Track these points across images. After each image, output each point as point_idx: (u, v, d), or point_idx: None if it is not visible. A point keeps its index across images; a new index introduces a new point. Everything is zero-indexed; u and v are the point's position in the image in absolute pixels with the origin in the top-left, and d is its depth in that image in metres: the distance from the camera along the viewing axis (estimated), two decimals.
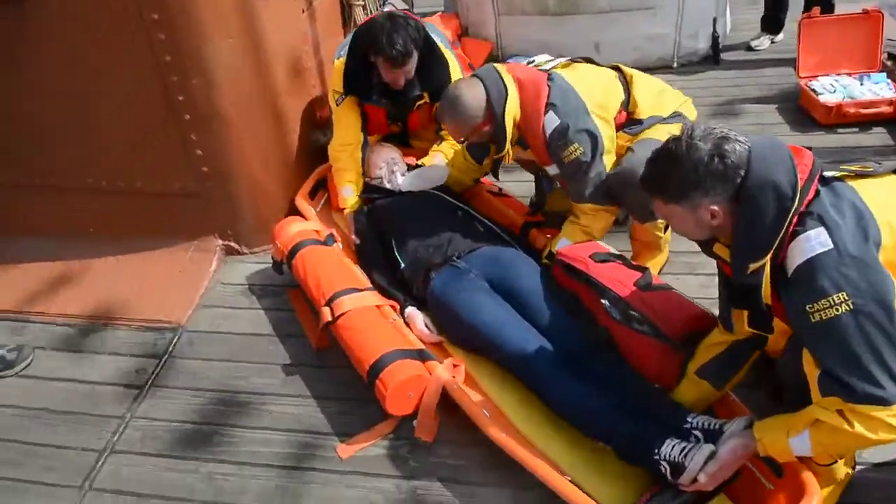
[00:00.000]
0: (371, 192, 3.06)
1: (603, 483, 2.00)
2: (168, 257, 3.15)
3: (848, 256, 1.50)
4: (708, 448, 1.79)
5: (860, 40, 3.79)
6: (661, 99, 2.63)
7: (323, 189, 3.38)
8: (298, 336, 2.78)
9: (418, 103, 3.12)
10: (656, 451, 1.86)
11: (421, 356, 2.32)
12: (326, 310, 2.49)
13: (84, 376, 2.70)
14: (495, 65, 2.58)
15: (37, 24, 2.74)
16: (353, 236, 2.94)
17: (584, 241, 2.57)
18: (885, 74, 3.75)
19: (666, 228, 2.72)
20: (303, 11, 3.28)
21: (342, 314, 2.46)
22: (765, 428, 1.75)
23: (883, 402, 1.50)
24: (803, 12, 4.08)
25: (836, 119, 3.60)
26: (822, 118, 3.64)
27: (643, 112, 2.57)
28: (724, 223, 1.66)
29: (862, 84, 3.70)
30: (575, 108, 2.46)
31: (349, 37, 3.05)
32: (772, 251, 1.59)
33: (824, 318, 1.52)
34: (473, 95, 2.49)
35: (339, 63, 3.02)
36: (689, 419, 1.93)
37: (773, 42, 4.73)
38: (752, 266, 1.63)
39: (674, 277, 2.75)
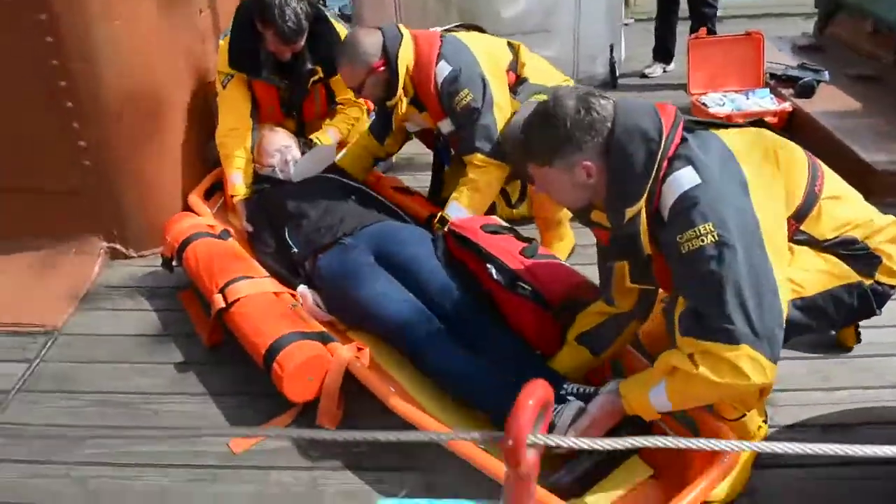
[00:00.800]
0: (262, 181, 2.95)
1: None
2: (45, 261, 2.88)
3: (715, 190, 1.53)
4: (576, 405, 1.79)
5: (744, 59, 4.05)
6: (546, 71, 2.76)
7: (220, 191, 3.21)
8: (189, 336, 2.57)
9: (312, 79, 3.01)
10: None
11: (322, 338, 2.17)
12: (219, 297, 2.32)
13: None
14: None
15: None
16: (245, 223, 2.84)
17: (473, 199, 2.59)
18: (768, 90, 4.00)
19: None
20: (200, 12, 3.18)
21: (236, 300, 2.29)
22: (628, 384, 1.73)
23: (731, 338, 1.48)
24: (690, 34, 4.34)
25: None
26: None
27: (530, 75, 2.67)
28: (599, 181, 1.66)
29: (748, 98, 3.93)
30: (466, 59, 2.56)
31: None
32: (645, 195, 1.61)
33: (690, 248, 1.52)
34: (369, 37, 2.56)
35: (224, 42, 2.91)
36: (564, 386, 1.92)
37: (665, 70, 5.00)
38: (629, 211, 1.63)
39: (581, 268, 2.74)
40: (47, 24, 2.50)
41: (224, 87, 2.92)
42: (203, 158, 3.14)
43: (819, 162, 1.80)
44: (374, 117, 3.09)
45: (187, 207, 3.02)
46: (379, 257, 2.44)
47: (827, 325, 1.85)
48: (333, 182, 2.89)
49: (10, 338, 2.59)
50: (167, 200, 3.00)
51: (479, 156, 2.58)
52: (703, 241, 1.50)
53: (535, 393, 0.76)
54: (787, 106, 3.87)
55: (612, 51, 4.72)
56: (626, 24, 5.30)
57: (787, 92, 3.99)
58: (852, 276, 1.71)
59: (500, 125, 2.57)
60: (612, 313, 1.98)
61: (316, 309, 2.41)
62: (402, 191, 3.09)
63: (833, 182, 1.78)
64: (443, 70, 2.53)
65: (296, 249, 2.60)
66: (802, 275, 1.68)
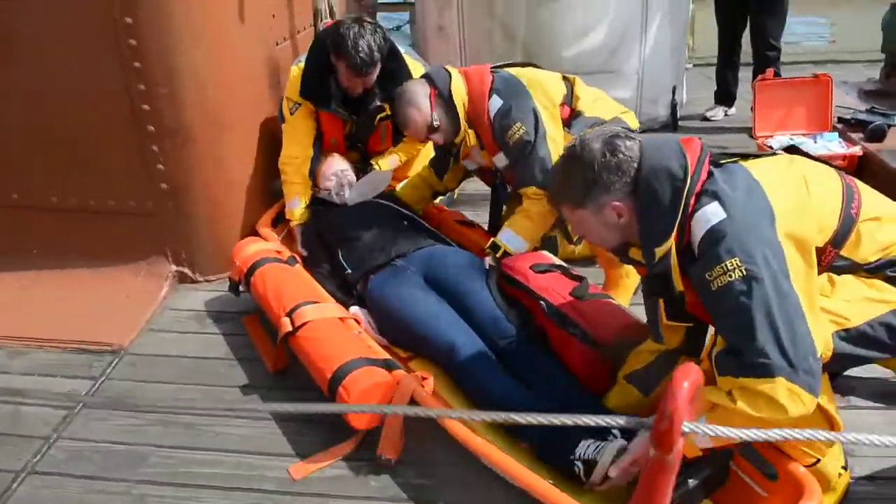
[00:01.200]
0: (318, 204, 3.01)
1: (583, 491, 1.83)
2: (115, 281, 2.94)
3: (740, 224, 1.53)
4: (619, 442, 1.76)
5: (811, 102, 3.98)
6: (603, 103, 2.73)
7: (286, 221, 3.25)
8: (252, 360, 2.58)
9: (380, 116, 3.05)
10: (573, 451, 1.82)
11: (387, 365, 2.15)
12: (286, 321, 2.32)
13: (7, 397, 2.41)
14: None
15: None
16: (300, 248, 2.91)
17: (525, 227, 2.56)
18: (836, 134, 3.91)
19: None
20: (277, 44, 3.28)
21: (303, 324, 2.29)
22: None
23: (767, 371, 1.46)
24: (753, 79, 4.29)
25: None
26: None
27: (585, 108, 2.65)
28: (631, 220, 1.69)
29: (816, 142, 3.84)
30: (517, 92, 2.55)
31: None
32: (674, 233, 1.61)
33: (720, 285, 1.53)
34: (418, 85, 2.62)
35: (297, 69, 2.96)
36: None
37: (726, 114, 4.95)
38: (658, 251, 1.64)
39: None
40: (137, 50, 2.60)
41: (291, 113, 2.98)
42: (271, 187, 3.19)
43: (857, 183, 1.75)
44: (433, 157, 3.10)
45: (255, 234, 3.07)
46: (429, 280, 2.47)
47: (883, 352, 1.70)
48: (387, 208, 2.94)
49: (77, 355, 2.65)
50: (236, 226, 3.06)
51: (533, 188, 2.55)
52: (731, 276, 1.51)
53: (690, 375, 0.72)
54: (856, 150, 3.77)
55: (674, 93, 4.69)
56: (686, 69, 5.28)
57: (856, 136, 3.90)
58: None
59: (553, 158, 2.52)
60: (661, 351, 1.93)
61: (371, 330, 2.43)
62: (465, 223, 3.09)
63: (873, 203, 1.73)
64: (495, 104, 2.54)
65: (349, 270, 2.64)
66: (845, 306, 1.64)
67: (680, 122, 4.78)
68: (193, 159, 2.85)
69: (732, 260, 1.50)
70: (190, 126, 2.79)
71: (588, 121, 2.63)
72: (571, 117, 2.65)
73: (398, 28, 7.29)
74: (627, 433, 1.82)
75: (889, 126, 3.89)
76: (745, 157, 1.72)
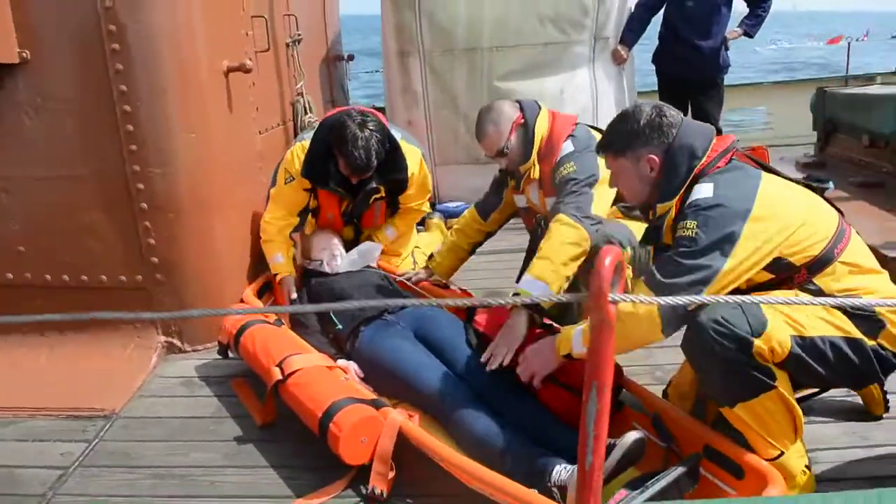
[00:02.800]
0: (309, 275, 3.19)
1: None
2: (105, 352, 3.04)
3: (716, 207, 1.85)
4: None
5: None
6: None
7: (269, 292, 3.42)
8: (241, 416, 2.67)
9: (375, 196, 3.25)
10: (548, 479, 1.94)
11: (375, 405, 2.27)
12: (276, 370, 2.45)
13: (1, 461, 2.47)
14: None
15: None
16: (292, 295, 3.10)
17: (543, 269, 2.46)
18: None
19: None
20: (259, 133, 3.57)
21: (292, 372, 2.42)
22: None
23: (651, 286, 1.86)
24: None
25: None
26: None
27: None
28: (658, 176, 2.04)
29: None
30: (590, 146, 2.59)
31: (310, 129, 3.27)
32: (676, 198, 1.99)
33: (678, 235, 1.90)
34: (509, 107, 2.82)
35: (300, 146, 3.17)
36: None
37: None
38: (661, 207, 2.03)
39: None
40: (133, 134, 2.84)
41: (285, 183, 3.19)
42: (256, 262, 3.37)
43: (851, 231, 1.99)
44: (480, 199, 3.20)
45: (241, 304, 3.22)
46: (419, 336, 2.62)
47: (831, 374, 1.88)
48: (376, 274, 3.17)
49: (70, 421, 2.70)
50: (222, 298, 3.20)
51: (560, 215, 2.52)
52: (684, 232, 1.88)
53: (612, 253, 0.92)
54: None
55: None
56: None
57: None
58: (854, 332, 1.84)
59: (594, 204, 2.55)
60: None
61: (356, 380, 2.53)
62: (440, 286, 3.28)
63: (857, 253, 1.94)
64: (567, 147, 2.68)
65: (340, 326, 2.78)
66: (804, 317, 1.83)
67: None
68: (183, 235, 3.04)
69: (693, 222, 1.86)
70: (180, 204, 3.00)
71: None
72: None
73: None
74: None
75: (824, 190, 4.25)
76: (775, 172, 2.03)
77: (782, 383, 1.80)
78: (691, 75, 4.87)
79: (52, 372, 2.97)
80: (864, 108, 4.84)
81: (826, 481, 2.07)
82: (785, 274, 1.89)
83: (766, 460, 1.88)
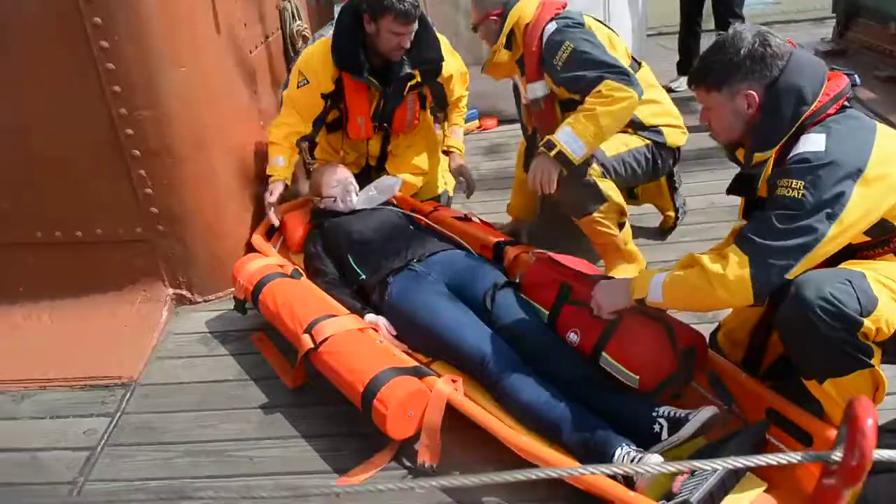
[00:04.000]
0: (320, 216, 2.96)
1: None
2: (111, 311, 2.85)
3: (828, 163, 1.63)
4: (654, 459, 1.78)
5: None
6: (656, 106, 2.78)
7: (278, 232, 3.20)
8: (269, 379, 2.54)
9: (410, 83, 3.03)
10: (610, 461, 1.85)
11: (417, 373, 2.15)
12: (306, 337, 2.29)
13: (21, 444, 2.34)
14: None
15: None
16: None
17: (586, 129, 2.40)
18: None
19: (621, 227, 2.71)
20: (250, 52, 3.20)
21: (324, 340, 2.27)
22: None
23: (744, 248, 1.69)
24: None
25: None
26: None
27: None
28: (755, 116, 1.78)
29: None
30: (576, 23, 2.60)
31: (329, 25, 3.04)
32: (776, 147, 1.76)
33: (779, 193, 1.68)
34: None
35: (320, 43, 2.95)
36: (655, 409, 1.93)
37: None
38: (758, 156, 1.79)
39: None
40: (116, 73, 2.50)
41: (298, 87, 2.98)
42: (261, 200, 3.12)
43: None
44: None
45: (250, 249, 3.01)
46: (451, 287, 2.45)
47: None
48: (393, 212, 2.94)
49: (86, 392, 2.56)
50: (230, 242, 2.99)
51: (607, 82, 2.39)
52: (788, 191, 1.65)
53: (872, 412, 0.75)
54: None
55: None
56: None
57: None
58: None
59: (605, 51, 2.51)
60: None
61: (392, 338, 2.39)
62: (461, 219, 3.08)
63: None
64: (549, 28, 2.60)
65: (363, 276, 2.61)
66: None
67: None
68: (182, 180, 2.77)
69: (800, 182, 1.63)
70: (176, 147, 2.70)
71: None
72: None
73: None
74: (673, 424, 1.87)
75: (853, 85, 4.01)
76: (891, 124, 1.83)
77: (876, 359, 1.67)
78: None
79: (57, 335, 2.79)
80: None
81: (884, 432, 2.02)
82: (883, 237, 1.72)
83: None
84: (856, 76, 4.23)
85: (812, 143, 1.66)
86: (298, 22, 3.84)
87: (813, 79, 1.72)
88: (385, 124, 3.16)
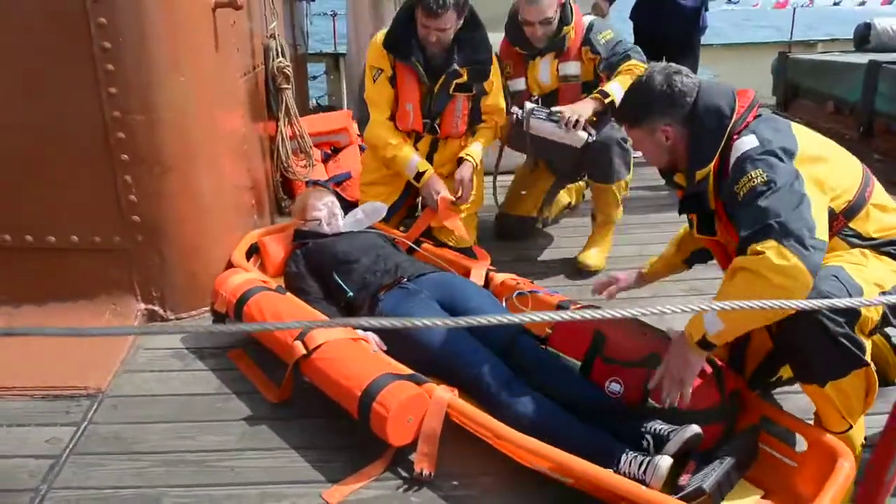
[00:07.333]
0: (304, 237, 2.94)
1: None
2: (78, 322, 2.68)
3: (768, 149, 1.81)
4: (665, 462, 1.81)
5: None
6: None
7: (256, 254, 3.14)
8: (249, 393, 2.44)
9: (457, 82, 3.09)
10: (616, 467, 1.87)
11: (414, 380, 2.11)
12: (298, 344, 2.23)
13: None
14: None
15: None
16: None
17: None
18: None
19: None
20: (239, 77, 3.22)
21: (317, 347, 2.21)
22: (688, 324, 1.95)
23: (764, 235, 1.70)
24: None
25: None
26: None
27: None
28: (677, 145, 2.00)
29: None
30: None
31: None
32: (713, 161, 1.92)
33: (745, 192, 1.79)
34: None
35: (380, 34, 3.09)
36: (644, 425, 1.97)
37: None
38: (699, 174, 1.96)
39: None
40: (115, 75, 2.47)
41: (374, 80, 3.10)
42: (243, 219, 3.08)
43: (872, 176, 1.99)
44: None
45: (228, 268, 2.93)
46: (444, 306, 2.45)
47: None
48: (379, 236, 2.95)
49: (47, 402, 2.39)
50: (210, 260, 2.90)
51: (627, 65, 3.09)
52: (753, 182, 1.77)
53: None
54: None
55: None
56: None
57: None
58: None
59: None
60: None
61: (383, 354, 2.33)
62: (440, 245, 3.14)
63: (882, 195, 1.97)
64: (587, 18, 3.24)
65: (350, 293, 2.58)
66: (876, 273, 1.81)
67: None
68: (168, 191, 2.71)
69: (756, 171, 1.78)
70: (166, 156, 2.65)
71: None
72: None
73: (314, 78, 7.32)
74: (658, 441, 1.91)
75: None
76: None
77: (868, 355, 1.76)
78: (670, 33, 4.78)
79: (16, 344, 2.57)
80: (831, 75, 4.93)
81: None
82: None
83: (834, 433, 1.86)
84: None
85: (746, 143, 1.84)
86: (280, 59, 3.91)
87: (726, 97, 1.94)
88: (434, 124, 3.21)
